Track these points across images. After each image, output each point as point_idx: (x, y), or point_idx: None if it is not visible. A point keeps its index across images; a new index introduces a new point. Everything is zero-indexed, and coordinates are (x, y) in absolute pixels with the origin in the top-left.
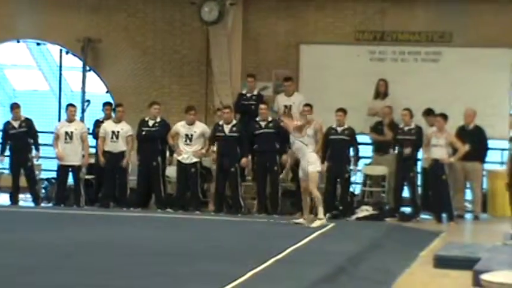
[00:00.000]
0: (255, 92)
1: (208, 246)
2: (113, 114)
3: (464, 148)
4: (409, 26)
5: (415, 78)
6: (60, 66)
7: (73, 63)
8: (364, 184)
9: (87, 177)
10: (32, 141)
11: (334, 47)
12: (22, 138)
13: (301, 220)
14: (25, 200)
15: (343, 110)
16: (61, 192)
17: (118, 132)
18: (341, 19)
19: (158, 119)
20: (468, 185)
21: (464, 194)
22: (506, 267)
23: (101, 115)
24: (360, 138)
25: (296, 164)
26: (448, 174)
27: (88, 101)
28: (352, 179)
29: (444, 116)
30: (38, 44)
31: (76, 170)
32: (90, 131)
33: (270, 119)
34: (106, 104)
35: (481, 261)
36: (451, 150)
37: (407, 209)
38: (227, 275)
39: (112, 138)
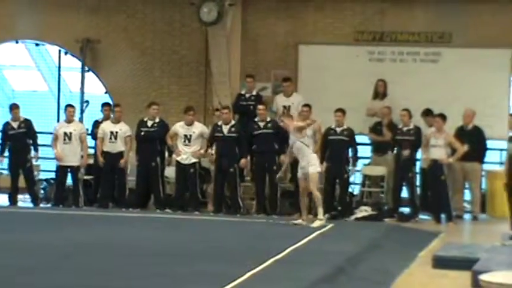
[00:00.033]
0: (254, 93)
1: (207, 247)
2: (111, 115)
3: (463, 148)
4: (408, 26)
5: (414, 78)
6: (59, 67)
7: (72, 64)
8: (363, 184)
9: (86, 177)
10: (31, 141)
11: (333, 47)
12: (21, 138)
13: (299, 221)
14: (24, 200)
15: (342, 111)
16: (60, 193)
17: (116, 132)
18: (340, 19)
19: (157, 120)
20: (467, 186)
21: (463, 195)
22: (505, 268)
23: (99, 116)
24: (358, 139)
25: (294, 163)
26: (447, 175)
27: (87, 101)
28: (351, 179)
29: (443, 117)
30: (37, 44)
31: (75, 170)
32: (89, 132)
33: (268, 119)
34: (105, 104)
35: (480, 261)
36: (450, 151)
37: (406, 210)
38: (226, 276)
39: (110, 138)
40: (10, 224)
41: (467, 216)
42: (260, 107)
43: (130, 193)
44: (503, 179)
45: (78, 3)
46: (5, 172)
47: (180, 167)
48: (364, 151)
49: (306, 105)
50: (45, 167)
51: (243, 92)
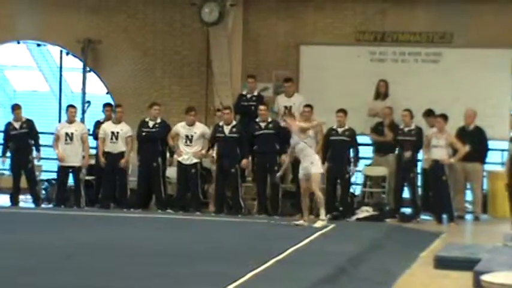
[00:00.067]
0: (255, 93)
1: (209, 247)
2: (113, 115)
3: (464, 149)
4: (409, 26)
5: (415, 79)
6: (61, 67)
7: (73, 64)
8: (364, 185)
9: (87, 178)
10: (32, 142)
11: (334, 47)
12: (23, 139)
13: (301, 221)
14: (25, 201)
15: (343, 111)
16: (61, 193)
17: (117, 133)
18: (341, 20)
19: (158, 120)
20: (468, 186)
21: (465, 195)
22: (507, 268)
23: (101, 116)
24: (360, 139)
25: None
26: (449, 175)
27: (88, 102)
28: (352, 179)
29: (444, 117)
30: (38, 45)
31: (76, 171)
32: (91, 132)
33: (269, 119)
34: (106, 105)
35: (482, 262)
36: (451, 151)
37: (407, 210)
38: (227, 276)
39: (112, 139)
40: (11, 225)
41: (468, 216)
42: (261, 107)
43: (132, 193)
44: (505, 180)
45: (79, 4)
46: (7, 172)
47: (182, 167)
48: (366, 151)
49: (308, 105)
50: (46, 167)
51: (244, 93)
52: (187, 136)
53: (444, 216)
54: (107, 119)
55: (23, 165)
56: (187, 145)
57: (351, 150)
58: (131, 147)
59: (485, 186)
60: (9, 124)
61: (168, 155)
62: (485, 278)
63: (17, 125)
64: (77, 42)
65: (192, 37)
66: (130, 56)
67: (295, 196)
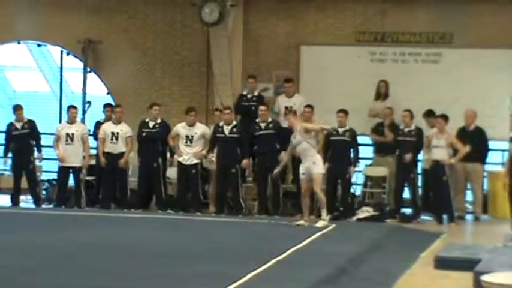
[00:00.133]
0: (256, 93)
1: (209, 248)
2: (113, 116)
3: (464, 149)
4: (409, 27)
5: (415, 79)
6: (61, 68)
7: (74, 65)
8: (364, 185)
9: (87, 178)
10: (34, 142)
11: (335, 48)
12: (24, 139)
13: (301, 221)
14: (26, 201)
15: (344, 111)
16: (62, 194)
17: (117, 133)
18: (341, 20)
19: (158, 120)
20: (469, 186)
21: (465, 195)
22: (507, 269)
23: (101, 116)
24: (360, 139)
25: (295, 163)
26: (449, 175)
27: (89, 102)
28: (353, 180)
29: (445, 117)
30: (39, 45)
31: (77, 171)
32: (91, 133)
33: (269, 120)
34: (106, 105)
35: (482, 262)
36: (451, 151)
37: (408, 210)
38: (228, 276)
39: (111, 139)
40: (12, 225)
41: (469, 217)
42: (262, 107)
43: (132, 194)
44: (503, 180)
45: (80, 4)
46: (7, 173)
47: (182, 167)
48: (366, 152)
49: (308, 106)
50: (47, 167)
51: (244, 93)
52: (187, 136)
53: (444, 216)
54: (107, 119)
55: (24, 165)
56: (188, 145)
57: (351, 150)
58: (131, 148)
59: (485, 187)
60: (11, 125)
61: (168, 155)
62: (485, 278)
63: (18, 125)
64: (77, 42)
65: (192, 37)
66: (130, 56)
67: (295, 196)
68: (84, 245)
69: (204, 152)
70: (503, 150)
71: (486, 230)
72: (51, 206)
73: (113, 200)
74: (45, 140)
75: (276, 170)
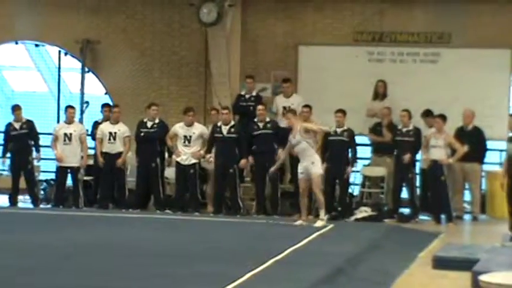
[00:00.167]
0: (254, 93)
1: (208, 248)
2: (110, 116)
3: (463, 149)
4: (407, 26)
5: (413, 79)
6: (59, 68)
7: (72, 65)
8: (362, 185)
9: (85, 178)
10: (32, 143)
11: (333, 48)
12: (23, 139)
13: (299, 221)
14: (24, 201)
15: (342, 111)
16: (60, 194)
17: (115, 133)
18: (339, 20)
19: (157, 120)
20: (467, 186)
21: (463, 195)
22: (505, 269)
23: (99, 116)
24: (358, 139)
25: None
26: (447, 175)
27: (87, 102)
28: (351, 180)
29: (443, 117)
30: (37, 45)
31: (75, 171)
32: (89, 133)
33: (268, 119)
34: (104, 105)
35: (480, 262)
36: (450, 151)
37: (406, 210)
38: (226, 276)
39: (109, 139)
40: (10, 225)
41: (467, 216)
42: (260, 107)
43: (130, 194)
44: (501, 179)
45: (78, 4)
46: (5, 173)
47: (180, 167)
48: (364, 152)
49: (306, 106)
50: (45, 167)
51: (242, 93)
52: (185, 136)
53: (443, 216)
54: (105, 119)
55: (22, 166)
56: (186, 145)
57: (350, 150)
58: (128, 148)
59: (483, 187)
60: (9, 125)
61: (166, 155)
62: (483, 278)
63: (17, 125)
64: (75, 42)
65: (190, 37)
66: (128, 56)
67: (293, 196)
68: (82, 245)
69: (202, 152)
70: (501, 150)
71: (484, 230)
72: (49, 206)
73: (111, 200)
74: (43, 140)
75: (273, 168)
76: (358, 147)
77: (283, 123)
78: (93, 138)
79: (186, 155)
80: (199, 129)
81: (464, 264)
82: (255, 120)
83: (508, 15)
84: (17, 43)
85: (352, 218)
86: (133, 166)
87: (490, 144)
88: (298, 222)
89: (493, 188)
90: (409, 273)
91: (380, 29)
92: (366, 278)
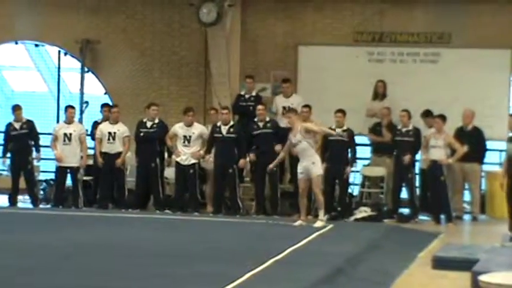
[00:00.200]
0: (254, 93)
1: (207, 248)
2: (110, 116)
3: (462, 149)
4: (407, 27)
5: (413, 79)
6: (59, 68)
7: (71, 65)
8: (362, 185)
9: (85, 178)
10: (32, 143)
11: (333, 48)
12: (23, 139)
13: (299, 222)
14: (24, 201)
15: (342, 111)
16: (59, 194)
17: (115, 133)
18: (339, 20)
19: (156, 120)
20: (467, 186)
21: (463, 195)
22: (505, 269)
23: (99, 116)
24: (358, 139)
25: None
26: (447, 175)
27: (86, 102)
28: (350, 180)
29: (443, 117)
30: (37, 45)
31: (74, 171)
32: (89, 133)
33: (267, 119)
34: (104, 105)
35: (480, 262)
36: (449, 151)
37: (405, 210)
38: (226, 276)
39: (109, 139)
40: (10, 225)
41: (466, 217)
42: (259, 107)
43: (130, 194)
44: (501, 180)
45: (78, 4)
46: (5, 173)
47: (180, 167)
48: (364, 152)
49: (306, 106)
50: (44, 167)
51: (242, 93)
52: (185, 137)
53: (442, 216)
54: (105, 119)
55: (22, 166)
56: (186, 146)
57: (349, 150)
58: (128, 148)
59: (483, 187)
60: (9, 125)
61: (166, 155)
62: (483, 278)
63: (17, 125)
64: (75, 42)
65: (190, 37)
66: (128, 56)
67: (293, 196)
68: (81, 245)
69: (201, 152)
70: (501, 150)
71: (484, 230)
72: (49, 206)
73: (111, 200)
74: (43, 140)
75: (272, 165)
76: (357, 147)
77: (283, 123)
78: (93, 138)
79: (185, 155)
80: (198, 129)
81: (464, 264)
82: (255, 120)
83: (508, 15)
84: (17, 43)
85: (352, 218)
86: (133, 166)
87: (489, 144)
88: (298, 222)
89: (493, 188)
90: (409, 274)
91: (380, 29)
92: (365, 278)
